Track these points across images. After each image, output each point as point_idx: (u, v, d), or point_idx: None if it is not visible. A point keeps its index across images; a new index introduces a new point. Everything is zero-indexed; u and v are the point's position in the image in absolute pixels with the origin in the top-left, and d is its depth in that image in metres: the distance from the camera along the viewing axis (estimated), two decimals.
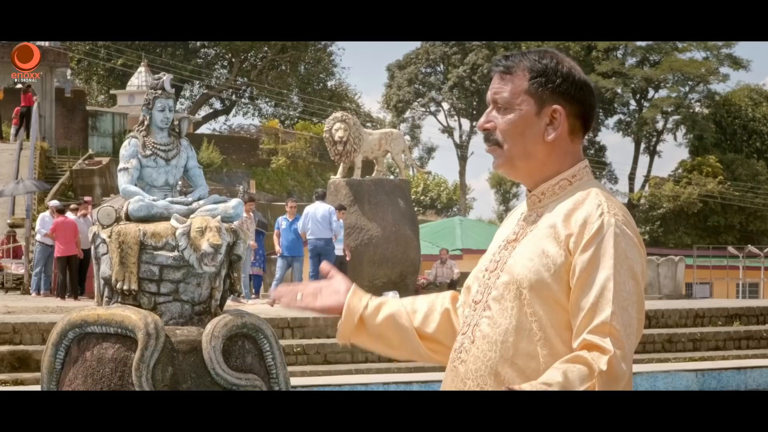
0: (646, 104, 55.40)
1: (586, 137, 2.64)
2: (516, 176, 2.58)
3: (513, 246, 2.53)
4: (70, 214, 19.25)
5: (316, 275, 16.75)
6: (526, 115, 2.50)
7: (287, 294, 2.78)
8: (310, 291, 2.77)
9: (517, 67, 2.53)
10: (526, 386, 2.31)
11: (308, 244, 17.10)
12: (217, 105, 61.86)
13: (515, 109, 2.51)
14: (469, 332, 2.53)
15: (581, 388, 2.28)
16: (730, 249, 38.26)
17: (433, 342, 2.73)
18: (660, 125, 55.96)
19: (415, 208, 32.12)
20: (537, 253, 2.44)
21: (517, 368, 2.42)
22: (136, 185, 6.98)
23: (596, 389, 2.28)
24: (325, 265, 2.84)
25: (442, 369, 2.65)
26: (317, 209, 16.92)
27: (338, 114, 19.37)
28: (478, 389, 2.46)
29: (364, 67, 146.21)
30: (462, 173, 59.36)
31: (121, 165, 7.07)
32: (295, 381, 8.89)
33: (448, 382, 2.56)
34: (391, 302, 2.77)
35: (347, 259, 17.35)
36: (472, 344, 2.50)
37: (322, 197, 17.47)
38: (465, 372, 2.50)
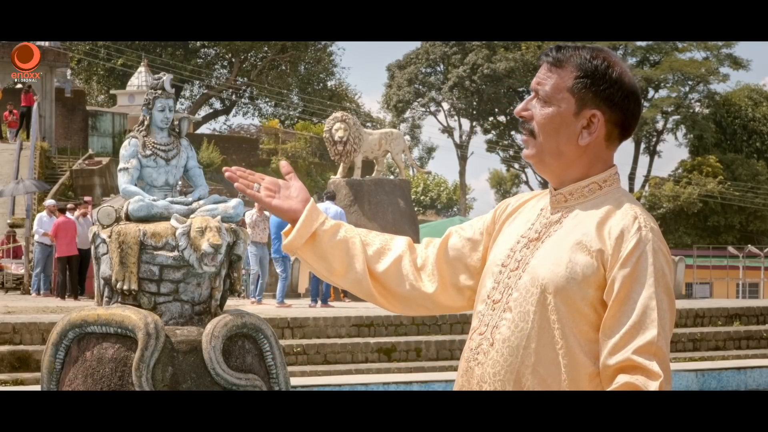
0: (646, 104, 55.41)
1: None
2: (542, 171, 2.50)
3: (535, 245, 2.45)
4: (67, 214, 19.25)
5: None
6: (564, 113, 2.42)
7: (245, 177, 2.67)
8: (267, 185, 2.66)
9: (567, 61, 2.44)
10: None
11: None
12: (217, 105, 61.89)
13: (554, 104, 2.43)
14: (488, 333, 2.44)
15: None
16: (730, 249, 38.29)
17: (378, 282, 2.65)
18: (660, 125, 56.00)
19: (415, 208, 32.10)
20: (565, 260, 2.37)
21: (539, 376, 2.36)
22: (136, 185, 6.97)
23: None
24: (285, 165, 2.73)
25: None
26: (328, 209, 16.83)
27: (338, 114, 19.38)
28: None
29: (364, 67, 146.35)
30: (462, 173, 59.36)
31: (121, 165, 7.06)
32: (295, 381, 8.90)
33: (462, 383, 2.49)
34: (348, 228, 2.69)
35: None
36: (491, 347, 2.42)
37: (332, 198, 17.39)
38: (482, 375, 2.43)
